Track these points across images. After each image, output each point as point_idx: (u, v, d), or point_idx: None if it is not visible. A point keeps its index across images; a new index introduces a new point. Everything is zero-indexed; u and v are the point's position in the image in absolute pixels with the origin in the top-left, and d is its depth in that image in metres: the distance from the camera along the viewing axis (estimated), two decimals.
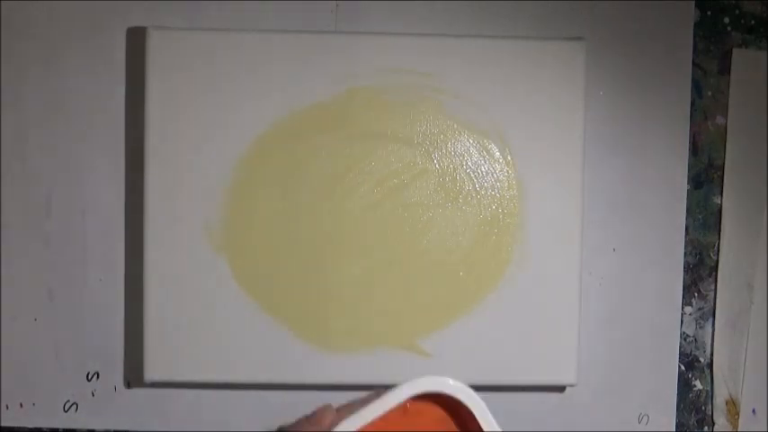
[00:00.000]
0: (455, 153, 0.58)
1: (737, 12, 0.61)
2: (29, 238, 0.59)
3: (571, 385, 0.59)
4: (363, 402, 0.44)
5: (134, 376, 0.59)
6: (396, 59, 0.57)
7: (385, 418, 0.44)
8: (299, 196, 0.57)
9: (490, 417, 0.44)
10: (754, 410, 0.62)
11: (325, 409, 0.44)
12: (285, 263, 0.57)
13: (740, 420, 0.62)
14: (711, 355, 0.62)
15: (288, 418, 0.48)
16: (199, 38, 0.56)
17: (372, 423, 0.43)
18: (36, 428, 0.60)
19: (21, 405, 0.59)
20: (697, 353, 0.62)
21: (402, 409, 0.44)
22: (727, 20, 0.61)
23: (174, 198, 0.56)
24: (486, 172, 0.58)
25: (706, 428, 0.62)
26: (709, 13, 0.61)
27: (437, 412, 0.45)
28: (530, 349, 0.58)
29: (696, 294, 0.62)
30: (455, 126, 0.58)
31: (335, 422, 0.43)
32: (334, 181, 0.57)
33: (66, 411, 0.59)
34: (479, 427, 0.44)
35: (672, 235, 0.61)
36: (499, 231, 0.58)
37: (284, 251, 0.57)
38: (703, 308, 0.62)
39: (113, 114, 0.59)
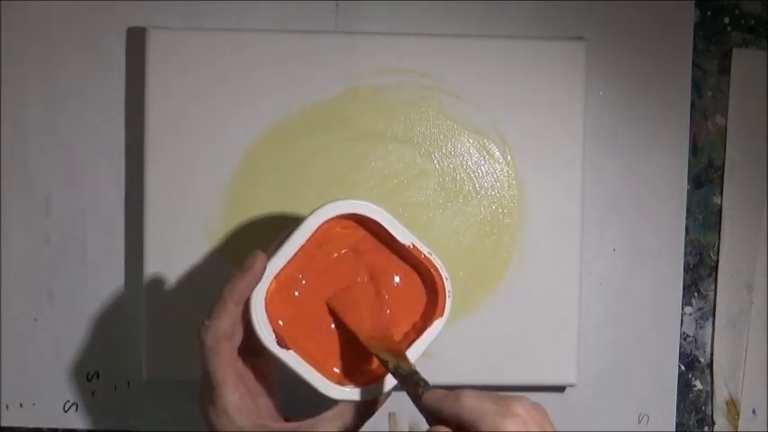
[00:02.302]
0: (455, 153, 0.58)
1: (737, 12, 0.61)
2: (29, 238, 0.59)
3: (571, 385, 0.59)
4: (281, 239, 0.46)
5: (134, 376, 0.59)
6: (396, 59, 0.57)
7: (305, 252, 0.46)
8: (300, 196, 0.57)
9: (398, 224, 0.47)
10: (754, 410, 0.62)
11: (254, 255, 0.44)
12: None
13: (740, 420, 0.62)
14: (711, 355, 0.62)
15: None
16: (199, 38, 0.56)
17: (296, 257, 0.46)
18: (36, 428, 0.60)
19: (21, 405, 0.59)
20: (697, 353, 0.62)
21: (319, 239, 0.46)
22: (727, 20, 0.61)
23: (174, 198, 0.56)
24: (486, 172, 0.58)
25: (706, 428, 0.62)
26: (709, 13, 0.61)
27: (358, 233, 0.48)
28: (530, 349, 0.58)
29: (696, 294, 0.62)
30: (455, 126, 0.58)
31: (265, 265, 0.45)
32: (334, 181, 0.57)
33: (66, 411, 0.59)
34: (392, 237, 0.47)
35: (672, 235, 0.61)
36: (499, 231, 0.58)
37: None
38: (703, 308, 0.62)
39: (113, 114, 0.59)
